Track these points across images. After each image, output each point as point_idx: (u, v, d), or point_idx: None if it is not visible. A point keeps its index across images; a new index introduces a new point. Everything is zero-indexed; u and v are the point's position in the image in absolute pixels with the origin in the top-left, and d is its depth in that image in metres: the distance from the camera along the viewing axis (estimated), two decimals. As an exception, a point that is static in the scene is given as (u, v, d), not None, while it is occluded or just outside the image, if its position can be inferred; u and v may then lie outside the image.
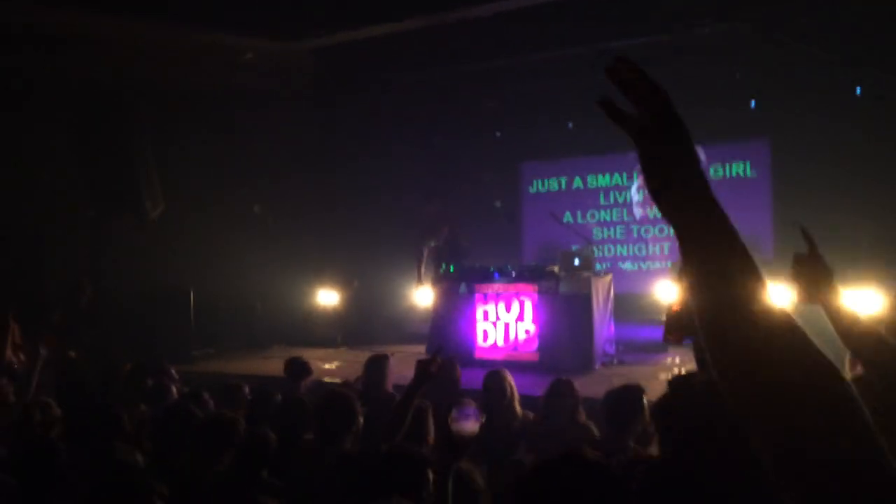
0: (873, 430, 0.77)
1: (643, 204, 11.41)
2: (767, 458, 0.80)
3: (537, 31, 9.33)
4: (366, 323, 10.53)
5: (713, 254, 0.91)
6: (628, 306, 9.58)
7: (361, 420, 3.48)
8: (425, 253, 9.97)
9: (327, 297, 10.78)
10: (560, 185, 12.01)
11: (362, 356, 7.43)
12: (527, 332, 8.04)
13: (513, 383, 4.87)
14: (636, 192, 11.49)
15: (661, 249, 11.10)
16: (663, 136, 0.97)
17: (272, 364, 7.52)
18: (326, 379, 7.49)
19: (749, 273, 0.89)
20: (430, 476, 2.58)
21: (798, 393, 0.80)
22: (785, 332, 0.86)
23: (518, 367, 6.93)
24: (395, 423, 3.26)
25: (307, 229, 11.04)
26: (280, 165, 10.99)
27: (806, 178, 9.20)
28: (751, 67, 9.63)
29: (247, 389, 5.12)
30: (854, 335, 2.13)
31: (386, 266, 10.87)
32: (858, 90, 9.12)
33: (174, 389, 5.15)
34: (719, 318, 0.88)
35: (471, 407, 2.50)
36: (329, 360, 9.02)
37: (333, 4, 8.80)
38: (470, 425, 2.41)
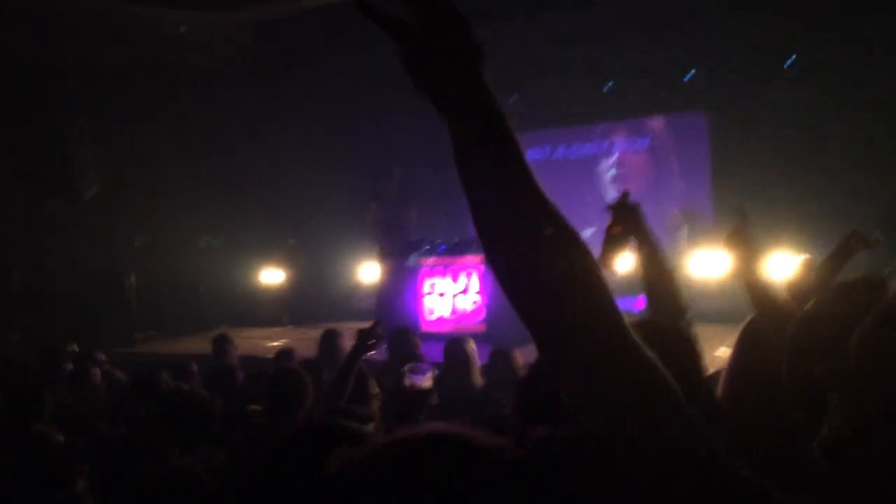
0: (673, 394, 0.78)
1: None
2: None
3: (478, 6, 9.28)
4: (312, 301, 10.47)
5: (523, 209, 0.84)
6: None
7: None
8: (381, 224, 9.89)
9: (272, 276, 10.66)
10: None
11: (309, 334, 7.40)
12: (473, 303, 8.11)
13: (474, 351, 4.74)
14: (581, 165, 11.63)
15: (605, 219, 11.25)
16: (435, 41, 0.85)
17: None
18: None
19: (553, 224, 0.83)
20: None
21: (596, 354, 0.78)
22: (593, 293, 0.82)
23: (466, 339, 6.98)
24: (337, 387, 3.26)
25: (250, 207, 10.86)
26: (222, 142, 10.76)
27: (742, 148, 9.43)
28: (688, 41, 9.77)
29: (195, 366, 5.05)
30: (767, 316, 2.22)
31: (332, 243, 10.78)
32: (789, 61, 9.34)
33: (97, 373, 5.01)
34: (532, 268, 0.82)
35: (425, 364, 2.53)
36: (276, 339, 8.95)
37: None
38: (423, 381, 2.43)
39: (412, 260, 8.55)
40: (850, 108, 8.19)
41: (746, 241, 2.30)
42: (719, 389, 2.25)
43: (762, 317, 2.26)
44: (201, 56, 10.24)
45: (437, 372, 2.49)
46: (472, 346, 4.71)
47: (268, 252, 10.72)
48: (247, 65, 11.01)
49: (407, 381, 2.43)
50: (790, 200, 8.00)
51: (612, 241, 2.31)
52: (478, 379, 4.60)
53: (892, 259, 6.56)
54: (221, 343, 6.06)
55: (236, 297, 10.60)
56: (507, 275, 0.85)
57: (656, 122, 11.02)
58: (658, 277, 2.35)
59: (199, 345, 8.42)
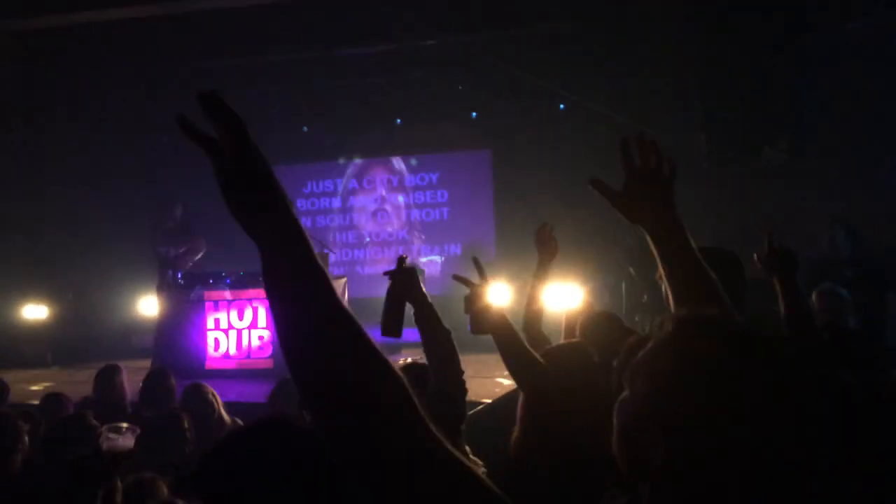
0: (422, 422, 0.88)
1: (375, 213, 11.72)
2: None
3: (270, 32, 9.19)
4: (82, 339, 9.59)
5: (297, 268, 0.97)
6: (365, 309, 9.71)
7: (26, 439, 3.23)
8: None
9: (35, 312, 9.66)
10: (296, 190, 11.89)
11: (78, 375, 6.77)
12: (260, 338, 7.86)
13: (214, 393, 4.52)
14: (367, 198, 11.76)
15: (395, 252, 11.47)
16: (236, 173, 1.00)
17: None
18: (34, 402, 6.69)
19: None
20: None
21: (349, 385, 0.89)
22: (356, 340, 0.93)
23: (252, 374, 6.76)
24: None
25: (10, 235, 9.79)
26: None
27: (522, 184, 10.05)
28: (472, 81, 10.31)
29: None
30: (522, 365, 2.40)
31: (105, 274, 9.98)
32: (562, 106, 10.15)
33: None
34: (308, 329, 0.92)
35: (125, 425, 2.43)
36: (38, 382, 8.08)
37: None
38: (123, 440, 2.35)
39: (195, 293, 8.13)
40: (609, 147, 9.02)
41: (485, 297, 2.44)
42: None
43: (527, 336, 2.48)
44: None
45: (137, 432, 2.42)
46: (209, 389, 4.52)
47: (29, 283, 9.71)
48: (13, 76, 9.99)
49: (105, 444, 2.33)
50: (563, 235, 8.60)
51: (393, 307, 2.37)
52: (227, 417, 4.47)
53: (646, 289, 7.29)
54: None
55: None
56: (298, 367, 0.92)
57: (446, 158, 11.45)
58: (435, 343, 2.43)
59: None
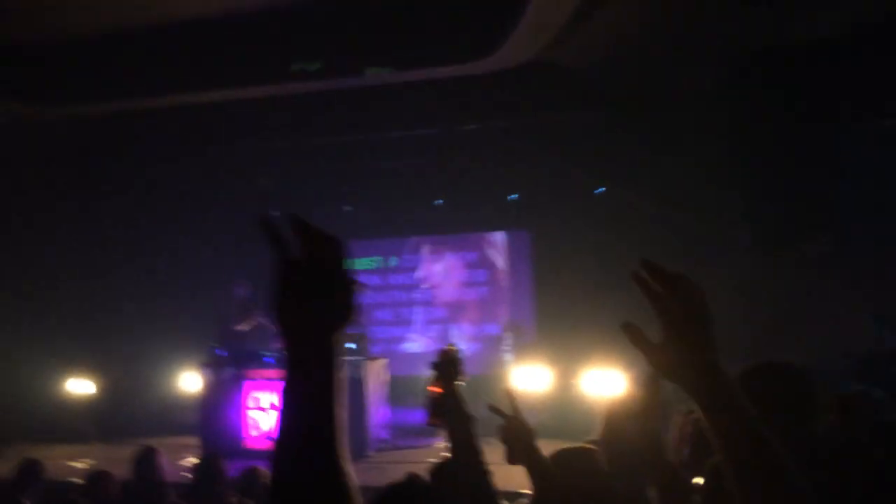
0: None
1: (413, 288, 11.81)
2: None
3: (314, 115, 9.54)
4: (125, 413, 9.69)
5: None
6: (405, 388, 9.72)
7: None
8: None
9: (80, 386, 9.83)
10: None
11: (119, 452, 6.82)
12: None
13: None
14: (408, 277, 11.88)
15: (435, 330, 11.50)
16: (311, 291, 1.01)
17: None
18: (75, 480, 6.75)
19: None
20: None
21: None
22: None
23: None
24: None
25: (58, 310, 10.07)
26: (31, 241, 10.02)
27: (560, 267, 10.09)
28: (512, 165, 10.51)
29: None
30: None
31: (148, 350, 10.15)
32: (600, 190, 10.26)
33: None
34: None
35: None
36: (79, 458, 8.16)
37: (101, 71, 8.39)
38: None
39: (233, 371, 8.23)
40: (645, 232, 9.09)
41: (520, 428, 2.40)
42: None
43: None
44: (15, 145, 9.63)
45: None
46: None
47: (75, 359, 9.91)
48: (67, 159, 10.45)
49: None
50: (603, 318, 8.57)
51: (436, 401, 2.40)
52: None
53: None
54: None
55: (36, 409, 9.61)
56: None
57: (488, 238, 11.58)
58: (466, 449, 2.45)
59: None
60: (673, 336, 1.20)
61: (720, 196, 8.12)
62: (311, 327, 0.98)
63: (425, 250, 11.89)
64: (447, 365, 2.45)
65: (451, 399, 2.43)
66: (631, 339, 1.25)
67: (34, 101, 8.90)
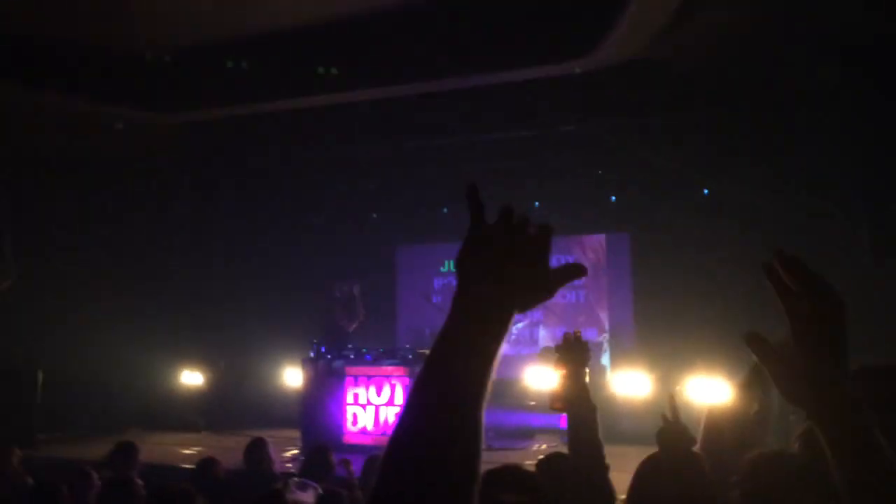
0: None
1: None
2: None
3: (412, 118, 9.66)
4: (231, 406, 10.11)
5: None
6: (500, 391, 9.68)
7: None
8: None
9: (191, 378, 10.31)
10: (434, 269, 12.19)
11: (226, 442, 7.12)
12: (397, 415, 7.97)
13: None
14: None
15: (531, 335, 11.42)
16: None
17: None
18: (186, 466, 7.09)
19: None
20: None
21: None
22: None
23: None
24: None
25: (172, 305, 10.61)
26: (147, 238, 10.60)
27: (661, 270, 9.83)
28: (611, 166, 10.32)
29: (96, 478, 4.76)
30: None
31: (254, 346, 10.54)
32: (706, 191, 9.92)
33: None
34: None
35: (312, 483, 2.57)
36: (190, 446, 8.56)
37: (208, 80, 8.78)
38: (306, 497, 2.51)
39: (335, 367, 8.43)
40: (756, 235, 8.73)
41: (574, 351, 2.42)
42: None
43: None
44: (134, 150, 10.20)
45: (320, 491, 2.54)
46: None
47: (187, 351, 10.41)
48: (180, 162, 11.00)
49: (290, 497, 2.47)
50: (705, 323, 8.30)
51: (561, 385, 2.41)
52: None
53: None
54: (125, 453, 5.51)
55: (151, 398, 10.16)
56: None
57: (587, 241, 11.42)
58: (586, 437, 2.42)
59: (106, 449, 7.99)
60: (802, 340, 1.04)
61: (837, 198, 7.70)
62: (499, 298, 0.96)
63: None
64: (573, 349, 2.42)
65: (577, 383, 2.38)
66: (755, 349, 1.09)
67: (155, 107, 9.41)
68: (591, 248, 11.43)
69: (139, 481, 4.16)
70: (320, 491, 2.52)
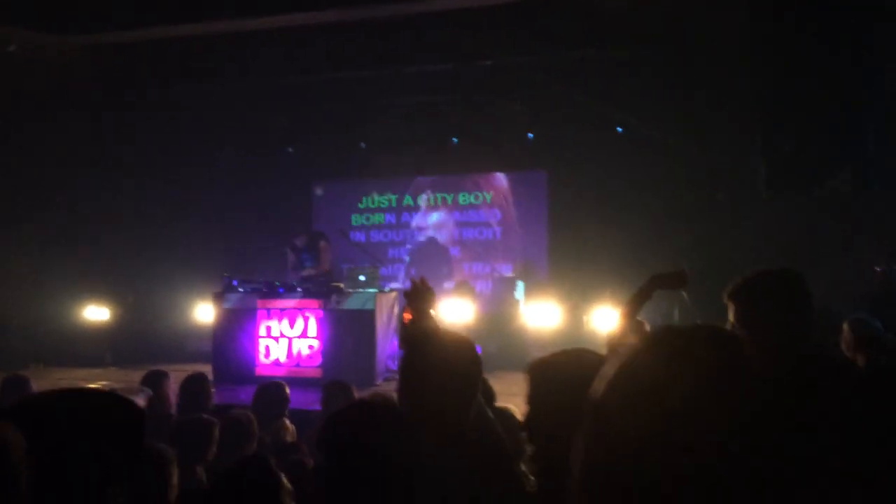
0: None
1: (426, 228, 11.80)
2: None
3: (329, 51, 9.39)
4: (140, 340, 9.86)
5: None
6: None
7: None
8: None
9: (96, 313, 9.99)
10: (352, 205, 12.05)
11: (133, 376, 6.95)
12: (310, 347, 7.98)
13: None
14: (422, 216, 11.85)
15: (449, 270, 11.53)
16: None
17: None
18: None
19: None
20: None
21: None
22: None
23: (301, 382, 6.87)
24: None
25: (77, 239, 10.16)
26: (51, 169, 10.04)
27: (577, 206, 10.02)
28: (529, 102, 10.33)
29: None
30: None
31: (164, 280, 10.25)
32: (619, 129, 10.09)
33: None
34: None
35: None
36: (94, 380, 8.34)
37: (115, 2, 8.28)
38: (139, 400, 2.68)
39: (247, 300, 8.31)
40: (665, 172, 8.99)
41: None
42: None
43: None
44: (33, 78, 9.58)
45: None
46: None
47: (91, 285, 10.05)
48: (84, 91, 10.38)
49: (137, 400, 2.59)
50: (615, 257, 8.56)
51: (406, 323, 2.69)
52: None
53: (699, 316, 7.17)
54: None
55: (53, 334, 9.79)
56: None
57: (499, 178, 11.50)
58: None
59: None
60: None
61: (737, 130, 7.97)
62: None
63: (439, 189, 11.81)
64: (416, 294, 2.63)
65: (419, 325, 2.56)
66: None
67: (52, 29, 8.83)
68: (507, 185, 11.51)
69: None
70: (150, 394, 2.73)
